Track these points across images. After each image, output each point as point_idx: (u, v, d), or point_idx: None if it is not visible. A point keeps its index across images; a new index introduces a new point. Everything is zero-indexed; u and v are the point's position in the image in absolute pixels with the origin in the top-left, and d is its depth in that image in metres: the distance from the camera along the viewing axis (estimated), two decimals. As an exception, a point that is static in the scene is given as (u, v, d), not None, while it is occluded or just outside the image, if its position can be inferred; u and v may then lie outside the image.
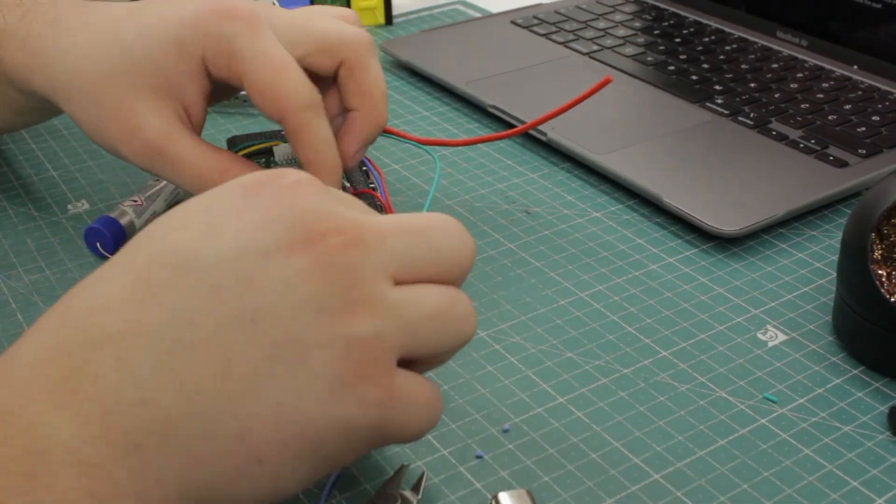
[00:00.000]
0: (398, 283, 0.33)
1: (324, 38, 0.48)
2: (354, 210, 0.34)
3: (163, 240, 0.32)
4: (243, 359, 0.30)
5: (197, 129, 0.47)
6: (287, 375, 0.30)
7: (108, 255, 0.52)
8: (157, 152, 0.46)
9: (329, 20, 0.49)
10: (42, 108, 0.52)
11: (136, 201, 0.54)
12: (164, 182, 0.55)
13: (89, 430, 0.29)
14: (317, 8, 0.51)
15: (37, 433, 0.28)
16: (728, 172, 0.58)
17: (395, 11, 0.86)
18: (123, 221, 0.53)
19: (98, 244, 0.52)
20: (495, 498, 0.36)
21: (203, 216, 0.33)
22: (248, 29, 0.45)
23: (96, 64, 0.46)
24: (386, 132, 0.59)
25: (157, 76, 0.45)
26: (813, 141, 0.61)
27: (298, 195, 0.32)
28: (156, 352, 0.30)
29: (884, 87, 0.67)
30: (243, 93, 0.68)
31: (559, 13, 0.82)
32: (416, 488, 0.38)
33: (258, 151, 0.55)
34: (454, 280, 0.35)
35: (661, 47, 0.75)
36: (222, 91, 0.50)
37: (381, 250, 0.32)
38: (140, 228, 0.54)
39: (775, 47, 0.74)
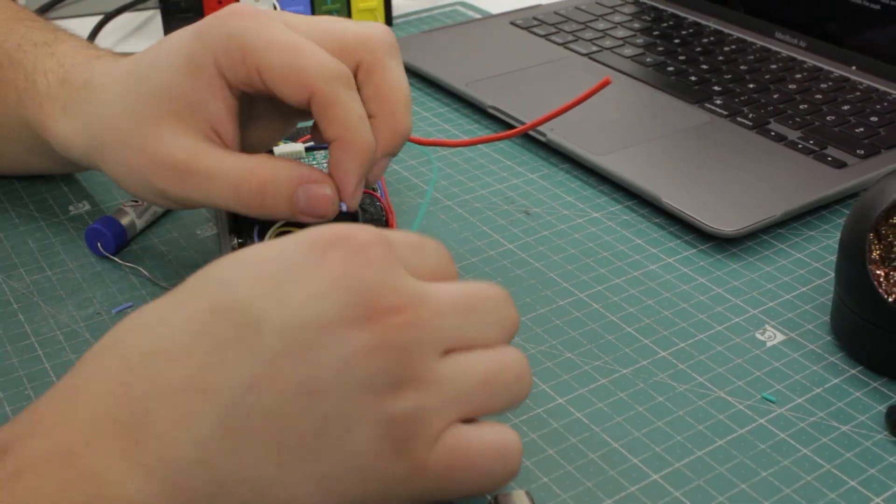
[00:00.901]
0: (449, 352, 0.33)
1: (340, 36, 0.45)
2: (419, 273, 0.34)
3: (230, 288, 0.32)
4: (296, 430, 0.31)
5: (230, 146, 0.45)
6: (332, 449, 0.31)
7: (108, 254, 0.52)
8: (187, 172, 0.44)
9: (348, 21, 0.47)
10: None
11: (136, 202, 0.54)
12: None
13: (151, 485, 0.29)
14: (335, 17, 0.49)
15: (102, 480, 0.29)
16: (727, 173, 0.58)
17: (395, 12, 0.86)
18: (124, 221, 0.53)
19: (99, 244, 0.52)
20: (495, 499, 0.36)
21: (271, 269, 0.32)
22: (255, 22, 0.43)
23: (119, 108, 0.45)
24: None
25: (177, 100, 0.44)
26: (811, 141, 0.61)
27: (366, 263, 0.32)
28: (216, 412, 0.30)
29: (882, 88, 0.67)
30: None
31: (558, 14, 0.82)
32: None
33: (258, 152, 0.56)
34: (501, 344, 0.36)
35: (660, 48, 0.75)
36: (268, 111, 0.48)
37: (436, 328, 0.33)
38: (141, 230, 0.54)
39: (774, 48, 0.75)
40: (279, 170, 0.44)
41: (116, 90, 0.46)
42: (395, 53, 0.46)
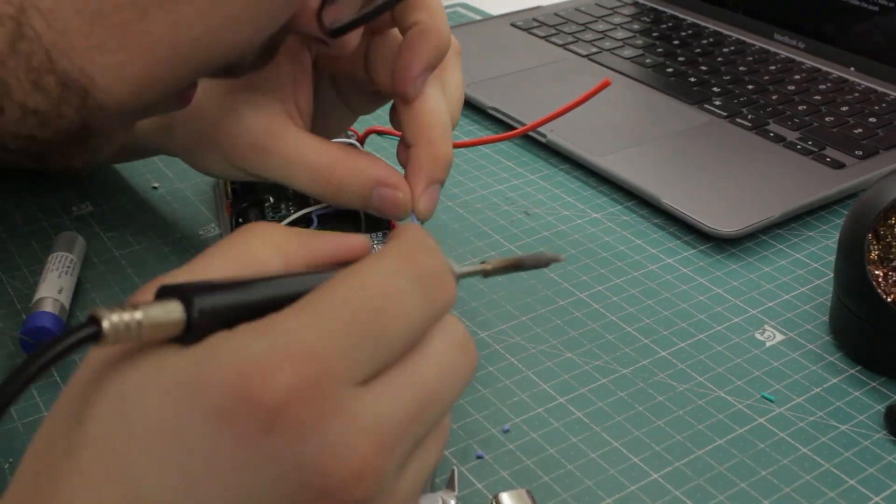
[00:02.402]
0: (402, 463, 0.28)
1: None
2: (364, 380, 0.27)
3: (130, 475, 0.25)
4: None
5: (307, 125, 0.43)
6: None
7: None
8: (266, 152, 0.42)
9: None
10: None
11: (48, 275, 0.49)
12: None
13: None
14: None
15: None
16: (726, 174, 0.58)
17: (395, 14, 0.86)
18: (55, 310, 0.47)
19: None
20: (496, 498, 0.37)
21: (175, 453, 0.25)
22: None
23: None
24: (387, 133, 0.60)
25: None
26: (810, 142, 0.61)
27: (293, 429, 0.25)
28: None
29: (880, 89, 0.68)
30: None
31: (559, 16, 0.83)
32: (450, 486, 0.38)
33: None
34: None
35: (660, 49, 0.76)
36: (348, 86, 0.46)
37: (388, 488, 0.27)
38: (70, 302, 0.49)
39: (773, 49, 0.75)
40: (357, 168, 0.42)
41: None
42: (457, 61, 0.45)
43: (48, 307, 0.47)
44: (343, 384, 0.26)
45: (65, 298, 0.48)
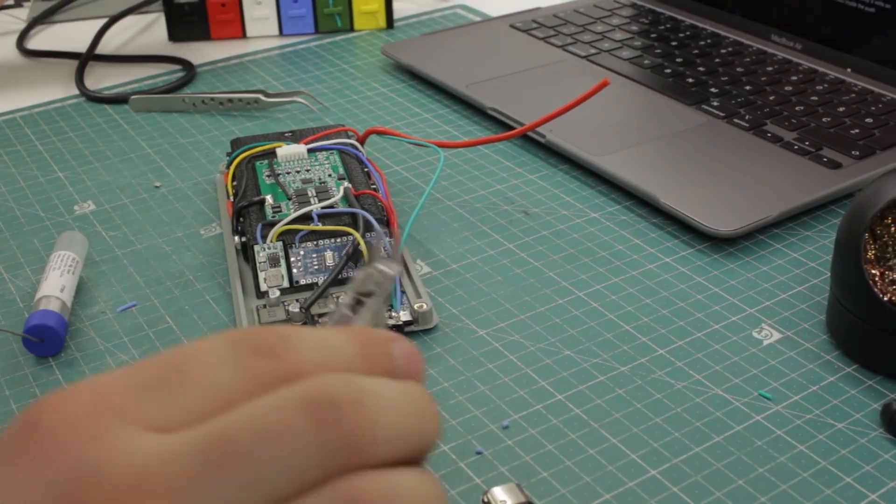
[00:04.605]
0: None
1: None
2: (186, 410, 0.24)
3: None
4: None
5: None
6: None
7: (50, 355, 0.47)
8: None
9: None
10: None
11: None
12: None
13: None
14: None
15: None
16: (724, 174, 0.58)
17: (396, 15, 0.86)
18: (57, 308, 0.47)
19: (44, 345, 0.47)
20: (488, 492, 0.37)
21: None
22: None
23: None
24: (387, 133, 0.60)
25: None
26: (807, 143, 0.61)
27: (50, 445, 0.23)
28: None
29: (877, 90, 0.68)
30: (245, 95, 0.69)
31: (557, 17, 0.83)
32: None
33: (262, 153, 0.56)
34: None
35: (658, 50, 0.76)
36: None
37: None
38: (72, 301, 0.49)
39: (770, 50, 0.75)
40: None
41: None
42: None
43: (50, 306, 0.47)
44: (122, 420, 0.23)
45: (67, 297, 0.48)
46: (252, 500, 0.22)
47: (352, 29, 0.83)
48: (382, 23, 0.83)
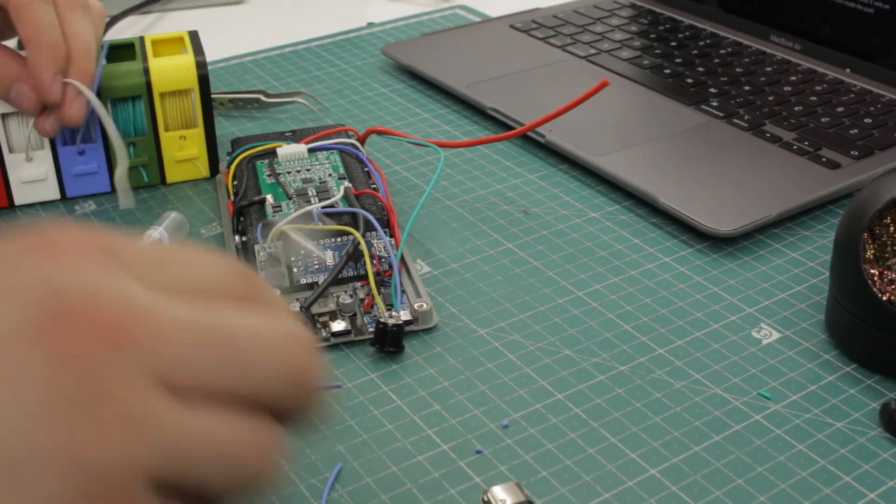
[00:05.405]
0: (183, 395, 0.24)
1: None
2: (150, 287, 0.25)
3: None
4: None
5: None
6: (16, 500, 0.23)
7: None
8: None
9: None
10: None
11: None
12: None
13: None
14: None
15: None
16: (723, 173, 0.58)
17: (396, 16, 0.86)
18: None
19: None
20: (488, 492, 0.37)
21: None
22: None
23: None
24: (387, 133, 0.60)
25: None
26: (806, 143, 0.61)
27: (59, 261, 0.24)
28: None
29: (876, 90, 0.68)
30: (245, 96, 0.69)
31: (557, 17, 0.83)
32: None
33: (262, 153, 0.56)
34: (271, 406, 0.26)
35: (657, 51, 0.76)
36: None
37: (155, 357, 0.24)
38: None
39: (769, 51, 0.75)
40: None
41: None
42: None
43: None
44: (124, 268, 0.25)
45: None
46: (235, 400, 0.25)
47: (163, 182, 0.61)
48: (205, 171, 0.61)
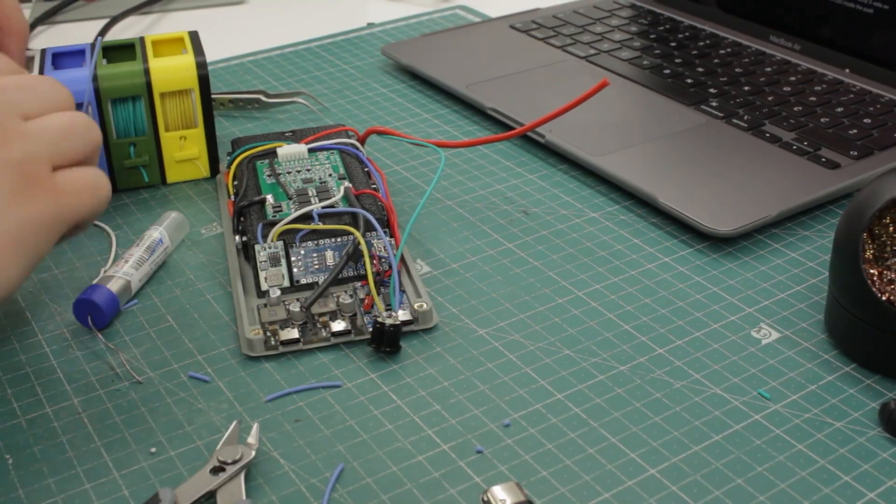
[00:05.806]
0: (28, 118, 0.40)
1: None
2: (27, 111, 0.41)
3: None
4: None
5: None
6: None
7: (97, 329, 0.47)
8: None
9: None
10: None
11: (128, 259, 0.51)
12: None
13: None
14: None
15: None
16: (722, 174, 0.59)
17: (396, 16, 0.86)
18: (115, 287, 0.49)
19: (89, 318, 0.48)
20: (488, 492, 0.37)
21: None
22: None
23: None
24: (387, 133, 0.60)
25: None
26: (806, 143, 0.61)
27: None
28: None
29: (875, 91, 0.68)
30: (245, 96, 0.69)
31: (557, 18, 0.83)
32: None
33: (263, 153, 0.56)
34: (65, 109, 0.43)
35: (657, 51, 0.76)
36: None
37: (9, 100, 0.40)
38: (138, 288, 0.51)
39: (768, 51, 0.75)
40: None
41: None
42: None
43: (110, 284, 0.49)
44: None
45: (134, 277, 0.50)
46: (44, 105, 0.42)
47: (164, 182, 0.61)
48: (205, 171, 0.61)
